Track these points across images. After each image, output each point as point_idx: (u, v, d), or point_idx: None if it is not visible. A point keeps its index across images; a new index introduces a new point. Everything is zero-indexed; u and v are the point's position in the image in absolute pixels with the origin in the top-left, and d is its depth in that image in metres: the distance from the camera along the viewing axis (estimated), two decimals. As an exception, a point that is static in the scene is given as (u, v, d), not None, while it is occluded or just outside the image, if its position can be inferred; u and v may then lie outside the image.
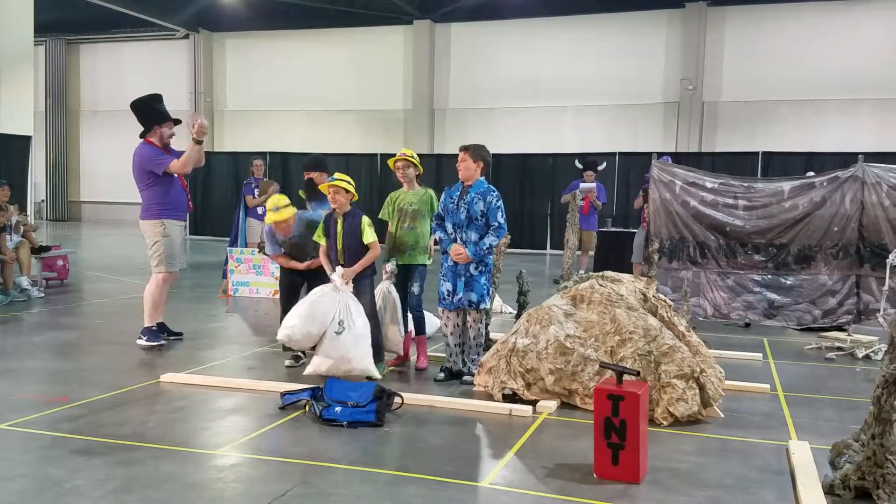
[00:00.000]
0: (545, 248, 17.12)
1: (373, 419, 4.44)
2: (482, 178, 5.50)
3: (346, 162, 18.25)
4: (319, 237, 5.71)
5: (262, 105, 22.99)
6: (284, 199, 5.89)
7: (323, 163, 6.51)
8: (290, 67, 22.43)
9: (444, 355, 6.08)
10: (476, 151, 5.44)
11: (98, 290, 10.03)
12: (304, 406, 4.69)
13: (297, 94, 22.40)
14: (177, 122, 6.71)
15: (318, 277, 5.82)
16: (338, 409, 4.50)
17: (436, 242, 5.86)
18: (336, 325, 5.24)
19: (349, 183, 5.57)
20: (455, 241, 5.42)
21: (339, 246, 5.59)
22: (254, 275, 9.74)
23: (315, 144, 19.96)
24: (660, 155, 8.32)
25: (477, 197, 5.38)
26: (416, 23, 20.92)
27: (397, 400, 4.73)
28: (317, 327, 5.26)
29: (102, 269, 12.14)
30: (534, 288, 7.43)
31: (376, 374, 5.30)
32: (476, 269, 5.40)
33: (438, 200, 5.70)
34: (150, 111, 6.56)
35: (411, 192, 5.86)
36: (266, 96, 22.87)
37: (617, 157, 16.80)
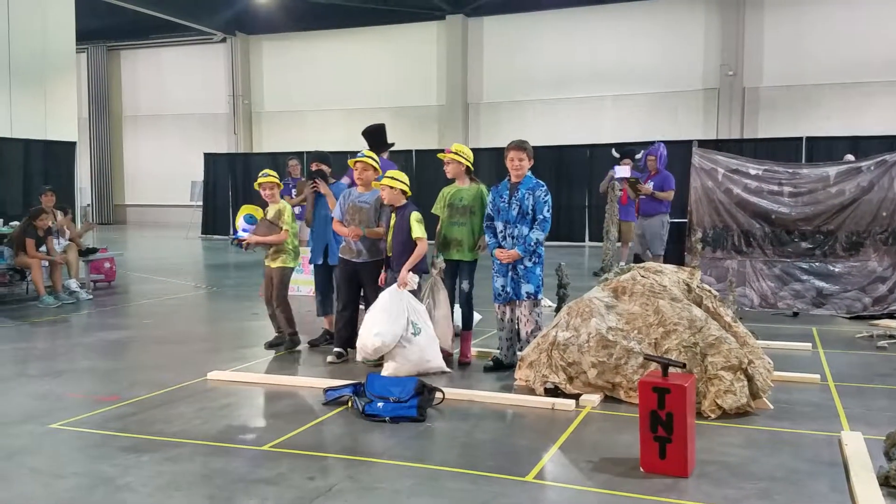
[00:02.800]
0: (584, 241, 16.97)
1: (414, 414, 4.44)
2: (529, 174, 5.54)
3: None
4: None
5: (298, 105, 23.24)
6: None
7: (322, 156, 6.88)
8: (326, 67, 22.63)
9: (487, 351, 6.15)
10: (530, 150, 5.54)
11: (144, 291, 10.26)
12: (347, 402, 4.72)
13: (333, 93, 22.58)
14: (391, 145, 7.35)
15: (372, 273, 5.89)
16: (380, 404, 4.52)
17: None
18: (411, 326, 5.37)
19: (397, 180, 5.70)
20: (505, 238, 5.48)
21: (389, 239, 5.72)
22: (294, 273, 9.81)
23: (351, 142, 20.02)
24: (700, 143, 8.19)
25: (527, 193, 5.45)
26: (448, 18, 20.89)
27: (438, 395, 4.74)
28: (400, 327, 5.37)
29: (148, 270, 12.41)
30: (573, 280, 7.36)
31: (447, 368, 5.46)
32: (530, 260, 5.45)
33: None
34: (380, 137, 7.21)
35: (463, 188, 5.89)
36: (302, 96, 23.11)
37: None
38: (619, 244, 10.88)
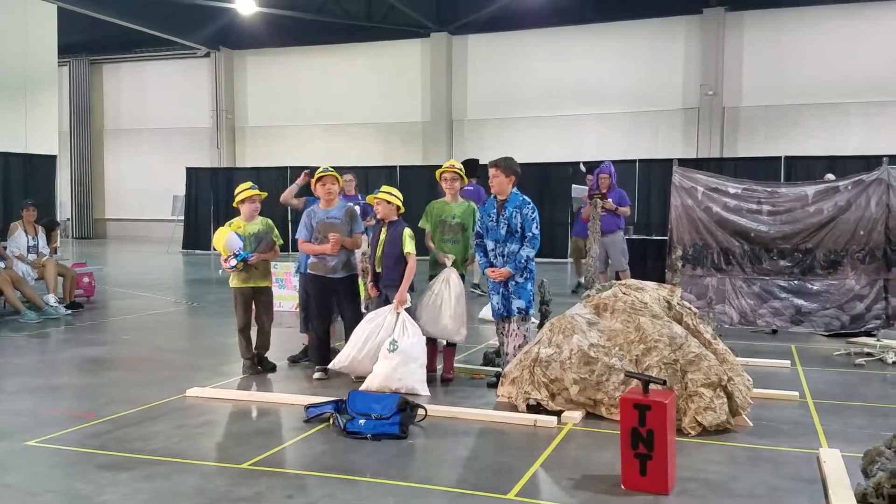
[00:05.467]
0: (566, 258, 17.03)
1: (396, 431, 4.43)
2: (516, 191, 5.57)
3: (365, 174, 18.29)
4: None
5: (282, 120, 23.21)
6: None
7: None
8: (310, 83, 22.65)
9: (472, 367, 6.18)
10: (507, 165, 5.52)
11: (124, 306, 10.14)
12: (329, 419, 4.70)
13: (317, 109, 22.59)
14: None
15: (348, 288, 5.91)
16: (361, 421, 4.51)
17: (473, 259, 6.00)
18: (389, 343, 5.37)
19: (393, 195, 5.77)
20: (496, 256, 5.51)
21: (379, 252, 5.72)
22: (276, 288, 9.78)
23: (335, 158, 20.06)
24: (680, 162, 8.27)
25: (515, 211, 5.47)
26: (433, 35, 21.03)
27: (421, 412, 4.73)
28: (375, 346, 5.43)
29: (128, 285, 12.28)
30: (555, 297, 7.37)
31: (424, 392, 5.34)
32: (521, 276, 5.47)
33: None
34: (473, 168, 7.64)
35: (455, 204, 5.93)
36: (286, 112, 23.09)
37: (637, 163, 16.70)
38: (585, 261, 10.99)
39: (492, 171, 5.52)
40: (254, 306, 6.17)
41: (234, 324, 6.25)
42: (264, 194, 6.33)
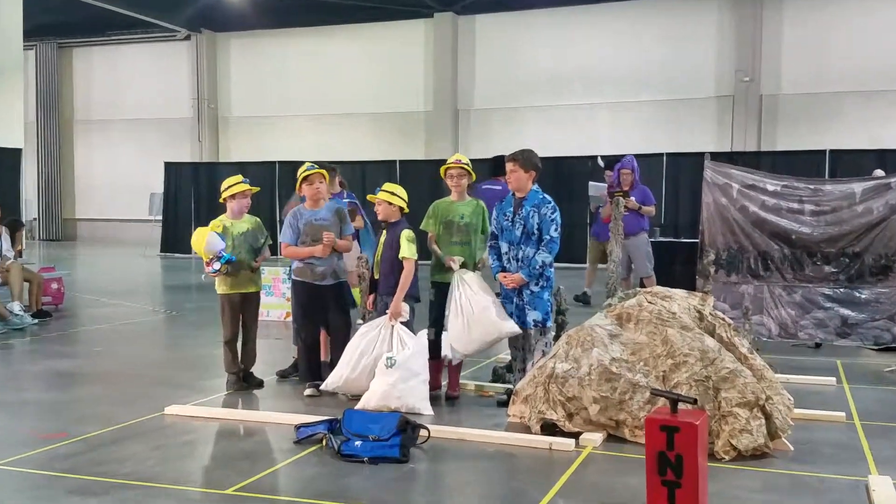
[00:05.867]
0: (584, 262, 17.00)
1: (396, 454, 4.43)
2: (537, 188, 5.55)
3: (361, 169, 18.35)
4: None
5: (270, 110, 23.28)
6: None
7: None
8: (301, 68, 22.71)
9: (480, 383, 6.18)
10: (526, 159, 5.51)
11: (96, 315, 10.18)
12: (321, 440, 4.70)
13: (309, 98, 22.65)
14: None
15: (336, 295, 5.93)
16: (358, 443, 4.51)
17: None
18: (385, 358, 5.37)
19: (396, 195, 5.79)
20: (509, 260, 5.49)
21: (378, 257, 5.78)
22: (263, 295, 9.79)
23: (328, 151, 20.15)
24: (712, 155, 8.26)
25: (532, 210, 5.45)
26: (436, 16, 21.07)
27: (423, 433, 4.72)
28: (371, 362, 5.44)
29: (101, 292, 12.32)
30: (572, 306, 7.38)
31: (427, 411, 5.34)
32: (537, 284, 5.44)
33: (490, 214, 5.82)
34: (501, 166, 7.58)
35: (462, 203, 5.89)
36: (275, 100, 23.16)
37: (664, 157, 16.68)
38: (603, 266, 10.95)
39: (510, 166, 5.52)
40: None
41: (218, 334, 6.27)
42: (256, 189, 6.37)
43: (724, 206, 7.48)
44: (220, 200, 6.25)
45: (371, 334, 5.59)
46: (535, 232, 5.42)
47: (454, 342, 5.59)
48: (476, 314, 5.47)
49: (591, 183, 11.13)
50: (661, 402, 4.50)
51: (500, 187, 9.20)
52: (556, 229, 5.42)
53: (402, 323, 5.55)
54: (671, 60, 19.16)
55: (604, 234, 10.82)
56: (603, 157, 11.98)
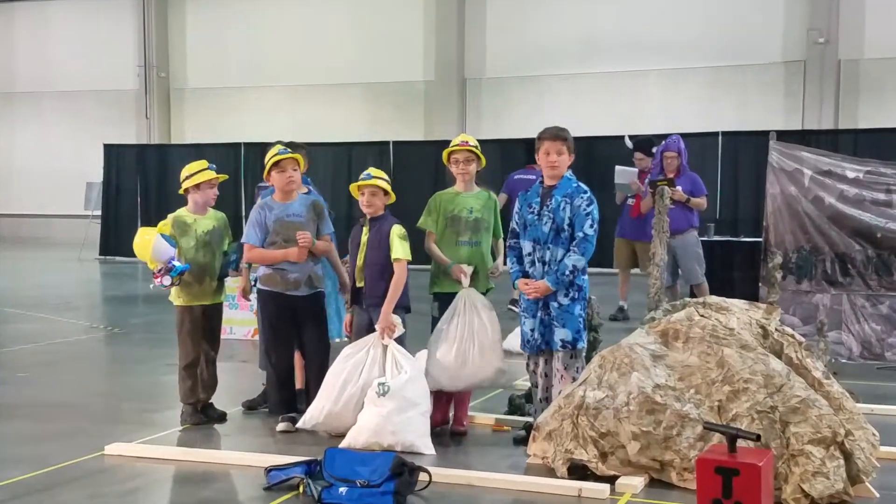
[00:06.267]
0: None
1: (390, 503, 4.42)
2: (570, 175, 5.54)
3: (348, 152, 18.33)
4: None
5: (234, 80, 23.32)
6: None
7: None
8: (273, 30, 22.73)
9: (494, 416, 6.18)
10: (571, 140, 5.51)
11: (21, 332, 10.19)
12: (298, 486, 4.70)
13: (283, 66, 22.67)
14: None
15: (312, 309, 5.95)
16: (343, 489, 4.51)
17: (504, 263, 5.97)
18: (377, 385, 5.39)
19: (386, 182, 5.80)
20: (533, 263, 5.44)
21: (361, 261, 5.77)
22: (227, 307, 9.80)
23: (307, 130, 20.16)
24: (779, 134, 8.26)
25: (564, 201, 5.40)
26: (440, -36, 21.11)
27: (423, 477, 4.72)
28: (357, 391, 5.47)
29: (26, 305, 12.34)
30: (607, 321, 7.37)
31: (427, 450, 5.35)
32: (566, 296, 5.38)
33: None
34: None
35: (469, 195, 5.90)
36: (241, 69, 23.19)
37: (719, 137, 16.66)
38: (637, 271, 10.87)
39: (554, 146, 5.43)
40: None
41: (171, 356, 6.27)
42: (224, 177, 6.39)
43: (794, 198, 7.48)
44: (181, 192, 6.24)
45: (357, 356, 5.60)
46: (566, 228, 5.37)
47: (437, 372, 5.60)
48: (477, 349, 5.56)
49: (617, 168, 11.08)
50: (716, 439, 4.50)
51: (533, 176, 9.16)
52: (591, 226, 5.37)
53: (395, 340, 5.56)
54: (729, 18, 19.13)
55: (632, 232, 10.81)
56: (632, 137, 11.90)
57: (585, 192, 5.45)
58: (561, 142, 5.44)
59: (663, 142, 10.23)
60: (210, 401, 6.28)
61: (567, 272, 5.31)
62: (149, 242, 5.90)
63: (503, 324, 5.97)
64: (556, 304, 5.38)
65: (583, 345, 5.50)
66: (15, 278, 16.41)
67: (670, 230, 9.59)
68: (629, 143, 11.85)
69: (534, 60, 20.60)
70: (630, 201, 10.74)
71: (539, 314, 5.44)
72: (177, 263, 5.89)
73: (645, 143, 11.33)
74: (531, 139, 5.78)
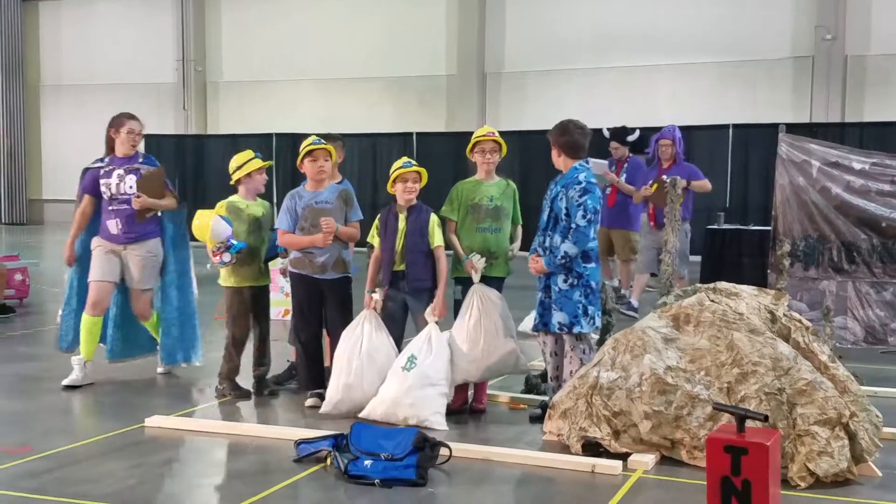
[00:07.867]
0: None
1: (412, 476, 4.44)
2: (578, 165, 5.56)
3: (372, 143, 18.40)
4: (373, 237, 5.96)
5: (266, 75, 23.36)
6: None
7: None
8: (302, 26, 22.74)
9: (511, 394, 6.20)
10: (557, 132, 5.61)
11: (65, 311, 10.28)
12: (326, 458, 4.73)
13: (311, 60, 22.69)
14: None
15: (339, 293, 5.97)
16: (367, 462, 4.53)
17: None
18: (406, 359, 5.45)
19: (424, 169, 5.88)
20: (540, 249, 5.53)
21: (400, 247, 5.76)
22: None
23: (334, 122, 20.18)
24: (788, 127, 8.17)
25: (561, 191, 5.45)
26: (462, -37, 21.03)
27: (444, 451, 4.74)
28: (366, 360, 5.52)
29: (70, 284, 12.42)
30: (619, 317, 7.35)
31: (440, 426, 5.37)
32: (565, 281, 5.40)
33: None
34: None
35: (490, 184, 5.93)
36: (272, 63, 23.22)
37: (730, 129, 16.57)
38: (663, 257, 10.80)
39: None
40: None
41: (212, 333, 6.32)
42: (269, 163, 6.51)
43: (802, 188, 7.43)
44: (232, 183, 6.37)
45: (354, 333, 5.66)
46: (563, 218, 5.40)
47: (465, 364, 5.62)
48: (492, 342, 5.60)
49: (590, 160, 10.93)
50: (725, 419, 4.48)
51: (638, 163, 9.37)
52: (584, 216, 5.33)
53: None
54: (739, 14, 18.99)
55: (607, 220, 10.65)
56: (609, 129, 11.71)
57: (580, 183, 5.41)
58: (551, 139, 5.64)
59: (661, 130, 10.11)
60: (267, 376, 6.36)
61: (559, 256, 5.35)
62: (208, 223, 5.98)
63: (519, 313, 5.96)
64: (556, 289, 5.43)
65: (580, 329, 5.44)
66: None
67: (658, 224, 9.52)
68: (606, 134, 11.69)
69: (551, 56, 20.53)
70: (608, 190, 10.60)
71: (541, 296, 5.52)
72: (234, 242, 5.99)
73: (620, 133, 11.20)
74: (546, 132, 5.86)
